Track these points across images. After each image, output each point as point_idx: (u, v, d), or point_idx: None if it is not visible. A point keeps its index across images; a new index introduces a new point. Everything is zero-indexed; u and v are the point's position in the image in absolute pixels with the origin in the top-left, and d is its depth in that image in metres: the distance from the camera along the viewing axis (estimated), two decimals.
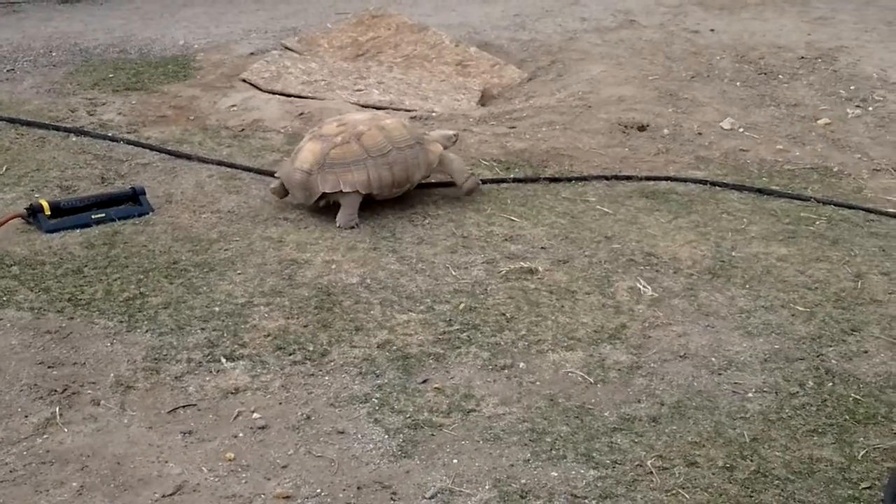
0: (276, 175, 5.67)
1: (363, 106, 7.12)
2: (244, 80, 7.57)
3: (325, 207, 5.51)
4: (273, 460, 3.57)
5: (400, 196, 5.64)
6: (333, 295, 4.65)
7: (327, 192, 5.39)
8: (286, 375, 4.05)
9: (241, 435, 3.71)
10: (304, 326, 4.39)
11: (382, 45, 8.36)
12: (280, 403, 3.89)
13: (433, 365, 4.15)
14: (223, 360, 4.14)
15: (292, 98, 7.22)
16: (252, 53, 8.30)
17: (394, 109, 7.08)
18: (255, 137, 6.61)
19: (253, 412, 3.83)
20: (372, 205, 5.51)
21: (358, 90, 7.37)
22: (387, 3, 9.88)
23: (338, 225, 5.37)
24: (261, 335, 4.31)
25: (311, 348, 4.23)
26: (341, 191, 5.37)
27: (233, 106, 7.06)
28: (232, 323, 4.40)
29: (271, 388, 3.97)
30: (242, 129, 6.72)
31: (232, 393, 3.94)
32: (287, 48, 8.38)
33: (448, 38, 8.46)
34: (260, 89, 7.39)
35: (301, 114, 6.92)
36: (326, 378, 4.04)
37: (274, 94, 7.29)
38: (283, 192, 5.58)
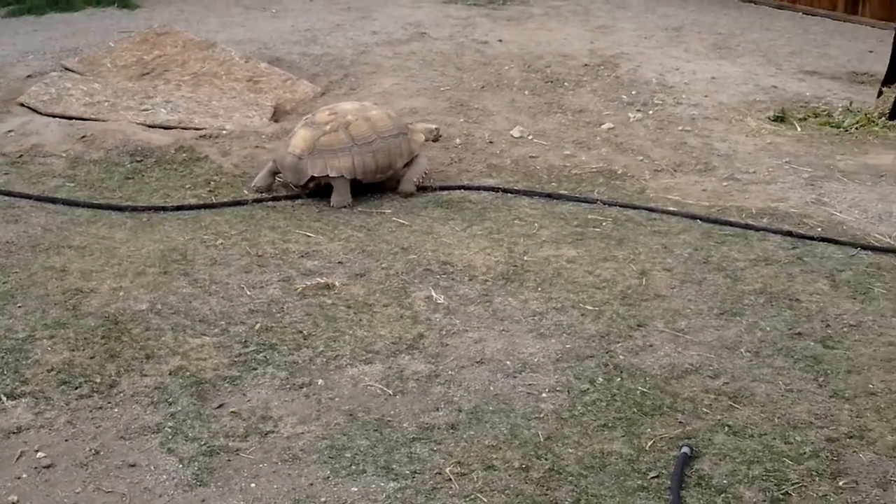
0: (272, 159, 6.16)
1: (150, 126, 6.92)
2: (22, 104, 7.24)
3: (318, 193, 5.98)
4: (60, 500, 3.41)
5: (382, 182, 6.08)
6: (122, 323, 4.49)
7: (315, 175, 5.85)
8: (72, 410, 3.88)
9: (24, 476, 3.52)
10: (91, 358, 4.21)
11: (169, 63, 8.16)
12: (66, 440, 3.71)
13: (229, 388, 4.05)
14: (3, 399, 3.92)
15: (74, 121, 6.95)
16: (30, 76, 7.96)
17: (182, 128, 6.92)
18: (34, 163, 6.33)
19: (37, 451, 3.64)
20: (166, 225, 5.37)
21: (145, 110, 7.16)
22: (172, 20, 9.66)
23: (332, 205, 5.86)
24: (44, 370, 4.11)
25: (98, 380, 4.06)
26: (328, 175, 5.82)
27: (10, 131, 6.73)
28: (12, 359, 4.18)
29: (56, 425, 3.79)
30: (21, 156, 6.43)
31: (14, 432, 3.74)
32: (67, 69, 8.07)
33: (238, 55, 8.34)
34: (39, 113, 7.08)
35: (84, 136, 6.66)
36: (115, 410, 3.89)
37: (54, 117, 7.00)
38: (270, 179, 6.07)
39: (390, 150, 6.00)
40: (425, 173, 6.19)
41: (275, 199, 5.96)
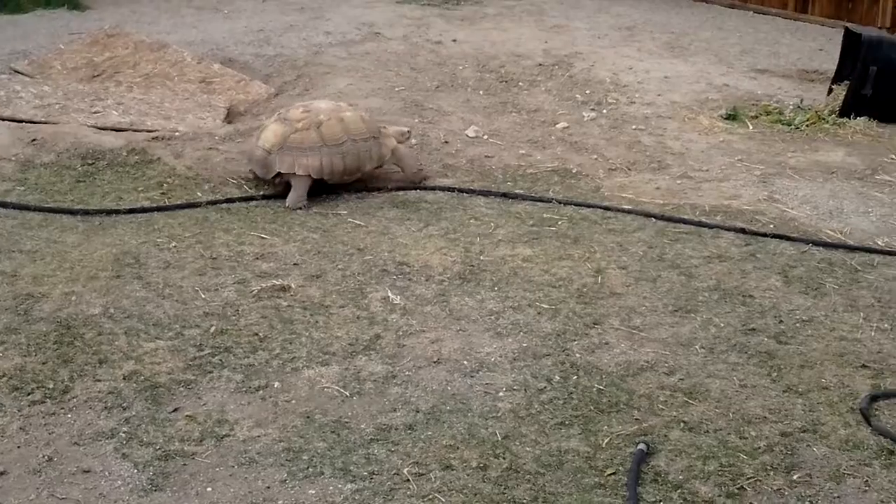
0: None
1: (101, 128, 6.84)
2: None
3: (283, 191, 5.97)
4: None
5: (351, 182, 6.10)
6: (74, 328, 4.43)
7: (283, 171, 5.87)
8: (24, 417, 3.82)
9: None
10: (43, 363, 4.15)
11: (120, 64, 8.07)
12: (19, 447, 3.65)
13: (184, 392, 4.01)
14: None
15: (24, 124, 6.84)
16: None
17: (134, 130, 6.85)
18: None
19: None
20: (121, 228, 5.31)
21: (96, 112, 7.08)
22: (123, 21, 9.56)
23: (287, 205, 5.82)
24: None
25: (51, 386, 4.01)
26: (295, 173, 5.83)
27: None
28: None
29: (8, 432, 3.73)
30: None
31: None
32: (17, 72, 7.95)
33: (190, 56, 8.27)
34: None
35: (34, 140, 6.57)
36: (69, 416, 3.84)
37: (3, 120, 6.88)
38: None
39: (360, 152, 5.99)
40: (419, 162, 6.38)
41: (229, 200, 5.91)
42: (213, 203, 5.87)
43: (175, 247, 5.28)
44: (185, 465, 3.58)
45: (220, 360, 4.25)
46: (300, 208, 5.81)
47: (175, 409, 3.90)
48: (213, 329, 4.48)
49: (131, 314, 4.58)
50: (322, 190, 6.00)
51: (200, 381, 4.09)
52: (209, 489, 3.46)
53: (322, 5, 10.87)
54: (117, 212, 5.68)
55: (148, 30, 9.28)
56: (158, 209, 5.75)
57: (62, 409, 3.88)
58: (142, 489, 3.45)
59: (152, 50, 8.27)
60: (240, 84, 7.96)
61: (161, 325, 4.50)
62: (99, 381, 4.06)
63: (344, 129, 5.96)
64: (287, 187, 5.94)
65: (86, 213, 5.65)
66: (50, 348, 4.27)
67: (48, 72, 7.95)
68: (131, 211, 5.70)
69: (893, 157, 6.87)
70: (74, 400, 3.93)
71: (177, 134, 6.85)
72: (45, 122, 6.88)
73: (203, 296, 4.77)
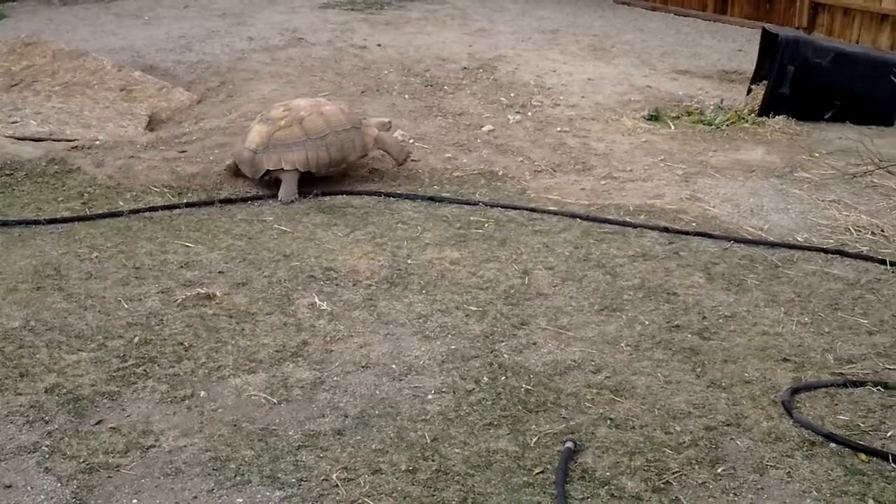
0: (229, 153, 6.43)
1: (19, 139, 6.71)
2: None
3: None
4: None
5: (338, 174, 6.33)
6: None
7: (271, 168, 6.06)
8: None
9: None
10: None
11: (38, 73, 7.93)
12: None
13: (108, 404, 3.95)
14: None
15: None
16: None
17: (54, 140, 6.73)
18: None
19: None
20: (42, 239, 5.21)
21: (13, 122, 6.95)
22: (41, 30, 9.39)
23: (280, 199, 6.01)
24: None
25: None
26: (283, 168, 6.02)
27: None
28: None
29: None
30: None
31: None
32: None
33: (110, 64, 8.15)
34: None
35: None
36: None
37: None
38: (236, 168, 6.26)
39: (343, 143, 6.20)
40: (402, 143, 6.62)
41: (151, 209, 5.84)
42: (136, 212, 5.79)
43: (97, 257, 5.20)
44: (109, 477, 3.52)
45: (145, 370, 4.19)
46: (293, 201, 6.00)
47: (99, 422, 3.83)
48: (136, 339, 4.42)
49: (52, 326, 4.49)
50: (244, 198, 5.95)
51: (124, 393, 4.03)
52: (135, 501, 3.41)
53: (244, 11, 10.80)
54: (37, 222, 5.57)
55: (66, 38, 9.13)
56: (79, 219, 5.66)
57: None
58: (66, 503, 3.39)
59: (71, 58, 8.14)
60: (161, 91, 7.87)
61: (83, 337, 4.42)
62: (20, 394, 3.98)
63: (326, 122, 6.18)
64: (277, 185, 6.11)
65: (4, 224, 5.53)
66: None
67: None
68: (51, 221, 5.60)
69: (810, 154, 7.02)
70: None
71: (97, 143, 6.75)
72: None
73: (126, 306, 4.70)
